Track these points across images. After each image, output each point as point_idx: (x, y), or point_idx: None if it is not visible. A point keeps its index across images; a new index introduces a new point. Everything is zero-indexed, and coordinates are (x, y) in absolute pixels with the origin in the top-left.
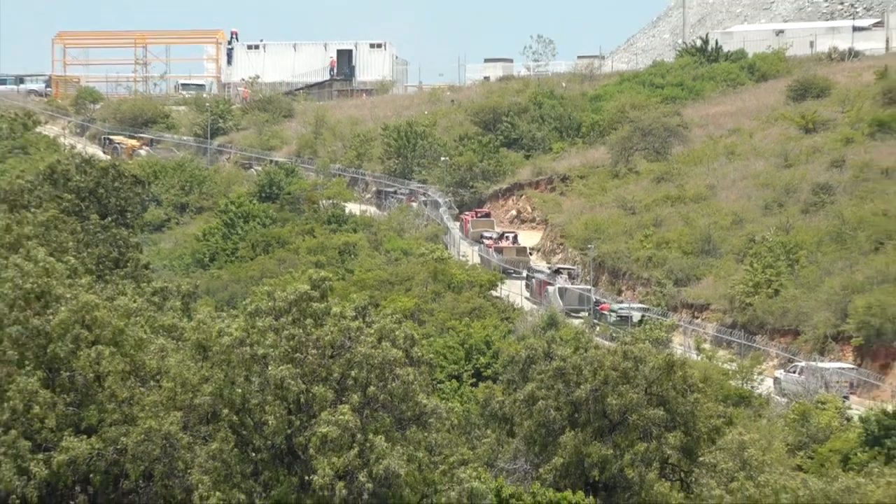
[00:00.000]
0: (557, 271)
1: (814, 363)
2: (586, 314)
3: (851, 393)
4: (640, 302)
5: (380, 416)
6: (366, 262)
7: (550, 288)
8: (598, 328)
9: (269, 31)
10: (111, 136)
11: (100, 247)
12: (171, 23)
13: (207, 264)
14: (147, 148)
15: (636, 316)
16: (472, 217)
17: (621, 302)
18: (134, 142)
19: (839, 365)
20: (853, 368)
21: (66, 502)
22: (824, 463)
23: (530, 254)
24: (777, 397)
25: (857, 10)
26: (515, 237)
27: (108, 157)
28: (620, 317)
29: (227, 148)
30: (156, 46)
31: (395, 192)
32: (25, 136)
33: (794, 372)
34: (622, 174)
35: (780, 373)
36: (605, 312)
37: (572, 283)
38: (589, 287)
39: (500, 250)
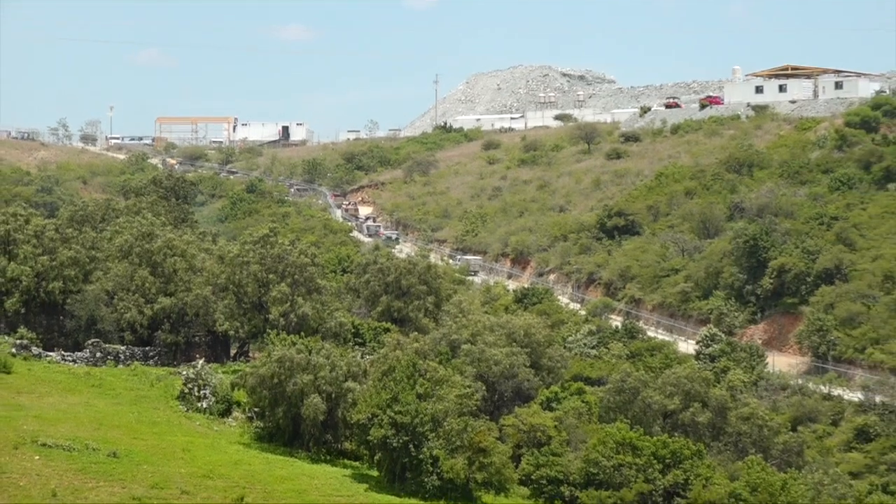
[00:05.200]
0: (367, 219)
1: (460, 255)
2: (374, 236)
3: (475, 273)
4: (416, 240)
5: (300, 289)
6: (294, 220)
7: (363, 225)
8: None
9: (252, 115)
10: (166, 159)
11: (175, 213)
12: (208, 112)
13: (224, 220)
14: (177, 165)
15: (394, 236)
16: (334, 197)
17: (388, 230)
18: (173, 161)
19: (473, 257)
20: (479, 259)
21: (159, 327)
22: (497, 310)
23: (368, 218)
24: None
25: (513, 111)
26: (355, 205)
27: (163, 167)
28: (387, 237)
29: (234, 169)
30: (201, 124)
31: (290, 186)
32: (142, 164)
33: (455, 259)
34: (408, 182)
35: (452, 260)
36: (380, 236)
37: (372, 224)
38: (379, 225)
39: (347, 210)
